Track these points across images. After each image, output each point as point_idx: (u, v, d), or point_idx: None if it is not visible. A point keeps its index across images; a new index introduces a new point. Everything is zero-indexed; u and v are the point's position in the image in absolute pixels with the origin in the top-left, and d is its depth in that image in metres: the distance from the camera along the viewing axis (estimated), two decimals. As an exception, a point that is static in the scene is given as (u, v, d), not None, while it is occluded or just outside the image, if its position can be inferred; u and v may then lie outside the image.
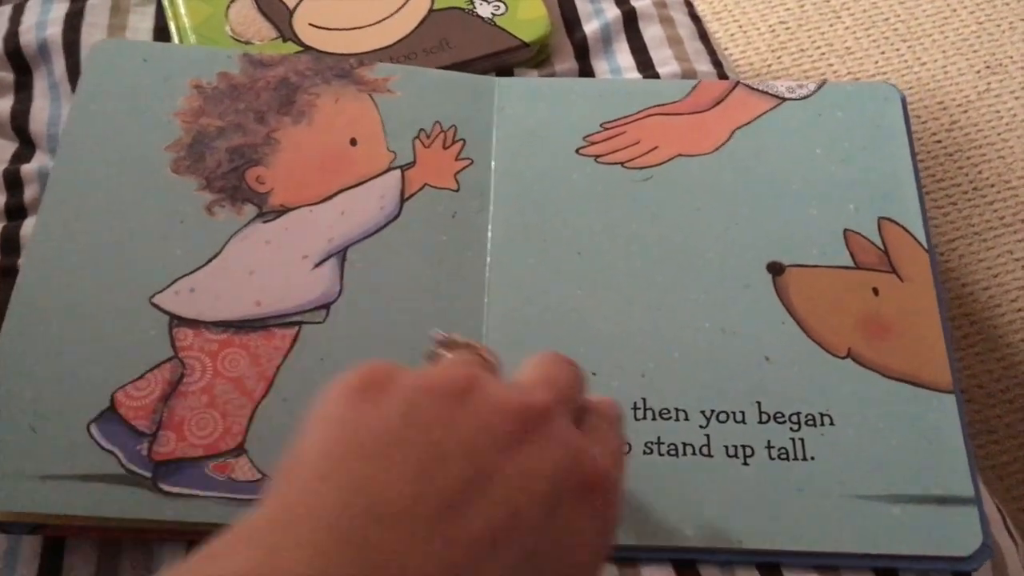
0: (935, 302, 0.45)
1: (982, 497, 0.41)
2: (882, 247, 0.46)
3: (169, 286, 0.43)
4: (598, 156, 0.49)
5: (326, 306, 0.43)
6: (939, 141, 1.21)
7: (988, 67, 1.27)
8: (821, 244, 0.46)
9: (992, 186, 1.18)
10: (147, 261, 0.44)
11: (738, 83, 0.51)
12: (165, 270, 0.44)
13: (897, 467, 0.41)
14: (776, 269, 0.45)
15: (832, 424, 0.42)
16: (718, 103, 0.50)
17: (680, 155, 0.49)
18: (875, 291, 0.45)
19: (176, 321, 0.43)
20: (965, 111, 1.23)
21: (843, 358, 0.43)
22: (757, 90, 0.51)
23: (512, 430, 0.28)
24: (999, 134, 1.22)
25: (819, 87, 0.51)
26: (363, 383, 0.29)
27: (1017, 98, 1.24)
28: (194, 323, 0.43)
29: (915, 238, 0.46)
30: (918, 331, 0.44)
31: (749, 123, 0.50)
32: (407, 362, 0.32)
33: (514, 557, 0.26)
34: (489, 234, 0.46)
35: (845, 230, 0.46)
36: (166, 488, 0.39)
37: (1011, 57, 1.27)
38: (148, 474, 0.39)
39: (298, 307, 0.43)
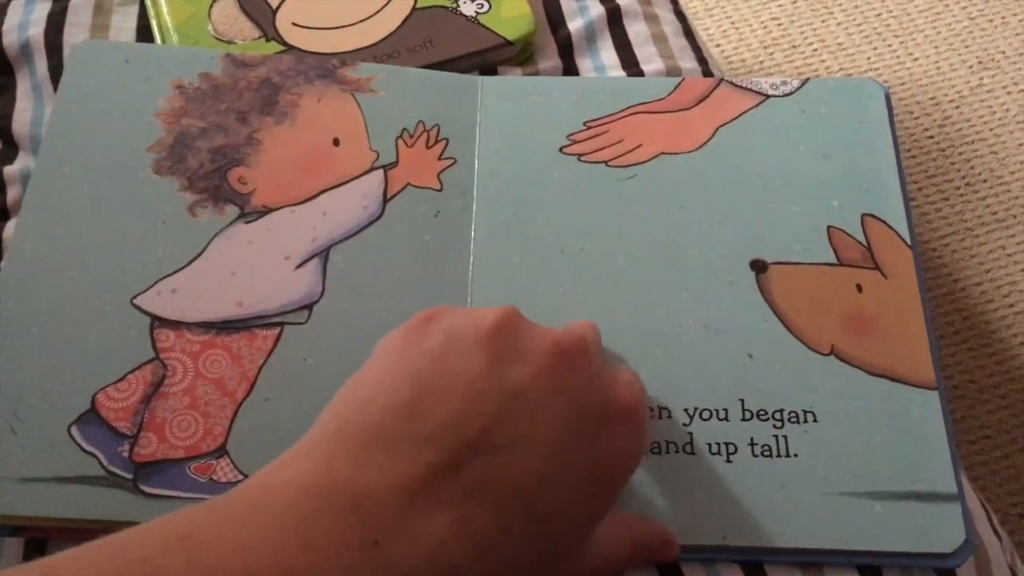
0: (919, 299, 0.45)
1: (965, 494, 0.41)
2: (865, 244, 0.46)
3: (151, 287, 0.43)
4: (581, 155, 0.48)
5: (308, 306, 0.43)
6: (931, 137, 1.21)
7: (980, 62, 1.27)
8: (804, 241, 0.46)
9: (984, 181, 1.18)
10: (128, 262, 0.44)
11: (722, 80, 0.51)
12: (147, 271, 0.43)
13: (880, 464, 0.41)
14: (759, 267, 0.45)
15: (815, 421, 0.42)
16: (702, 101, 0.50)
17: (663, 153, 0.48)
18: (858, 288, 0.45)
19: (157, 322, 0.42)
20: (957, 107, 1.23)
21: (826, 355, 0.43)
22: (741, 87, 0.51)
23: (547, 361, 0.31)
24: (991, 129, 1.21)
25: (803, 84, 0.51)
26: (419, 319, 0.33)
27: (1009, 93, 1.24)
28: (176, 324, 0.42)
29: (898, 235, 0.46)
30: (901, 328, 0.44)
31: (733, 120, 0.50)
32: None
33: (533, 470, 0.29)
34: (472, 233, 0.46)
35: (828, 227, 0.46)
36: (147, 490, 0.39)
37: (1003, 52, 1.27)
38: (129, 476, 0.39)
39: (280, 308, 0.43)
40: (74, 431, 0.40)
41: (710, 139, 0.49)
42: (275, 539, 0.26)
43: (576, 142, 0.49)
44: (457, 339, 0.31)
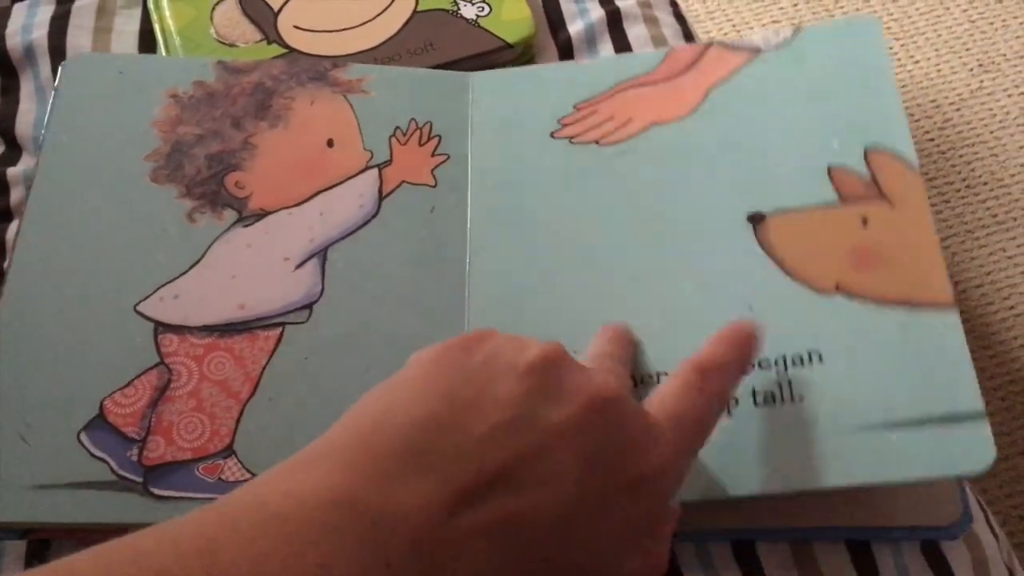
0: (930, 222, 0.42)
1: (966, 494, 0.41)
2: (869, 176, 0.44)
3: (153, 293, 0.43)
4: (572, 137, 0.48)
5: (309, 306, 0.44)
6: (932, 139, 1.21)
7: (981, 65, 1.27)
8: (803, 186, 0.44)
9: (985, 184, 1.18)
10: (131, 270, 0.44)
11: (712, 43, 0.50)
12: (149, 278, 0.44)
13: (894, 393, 0.39)
14: (756, 219, 0.44)
15: (821, 361, 0.40)
16: (692, 66, 0.49)
17: (654, 123, 0.48)
18: (864, 222, 0.43)
19: (161, 328, 0.43)
20: (958, 109, 1.23)
21: (831, 294, 0.41)
22: (731, 46, 0.49)
23: (584, 407, 0.30)
24: (992, 132, 1.22)
25: (796, 32, 0.49)
26: (463, 338, 0.31)
27: (1010, 96, 1.24)
28: (179, 329, 0.43)
29: (904, 160, 0.44)
30: (914, 252, 0.42)
31: (724, 80, 0.48)
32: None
33: (550, 516, 0.28)
34: (468, 227, 0.46)
35: (829, 168, 0.45)
36: (157, 492, 0.39)
37: (1004, 55, 1.28)
38: (139, 479, 0.39)
39: (281, 308, 0.43)
40: (83, 437, 0.40)
41: (702, 102, 0.48)
42: (292, 555, 0.25)
43: (566, 125, 0.48)
44: (497, 365, 0.30)
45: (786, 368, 0.40)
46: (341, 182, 0.47)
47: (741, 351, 0.36)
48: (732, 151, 0.46)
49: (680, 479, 0.33)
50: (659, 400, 0.33)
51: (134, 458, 0.40)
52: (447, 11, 0.56)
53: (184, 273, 0.44)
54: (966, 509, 0.40)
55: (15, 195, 0.51)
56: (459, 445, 0.28)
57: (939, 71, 1.26)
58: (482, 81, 0.51)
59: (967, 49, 1.28)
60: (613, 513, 0.30)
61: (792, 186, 0.44)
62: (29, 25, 0.56)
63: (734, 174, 0.45)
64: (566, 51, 0.57)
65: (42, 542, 0.41)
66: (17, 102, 0.54)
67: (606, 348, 0.39)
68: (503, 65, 0.56)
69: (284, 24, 0.55)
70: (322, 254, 0.45)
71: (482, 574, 0.27)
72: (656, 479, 0.31)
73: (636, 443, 0.31)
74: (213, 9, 0.55)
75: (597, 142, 0.47)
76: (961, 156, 1.20)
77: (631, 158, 0.47)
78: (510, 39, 0.55)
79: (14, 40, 0.56)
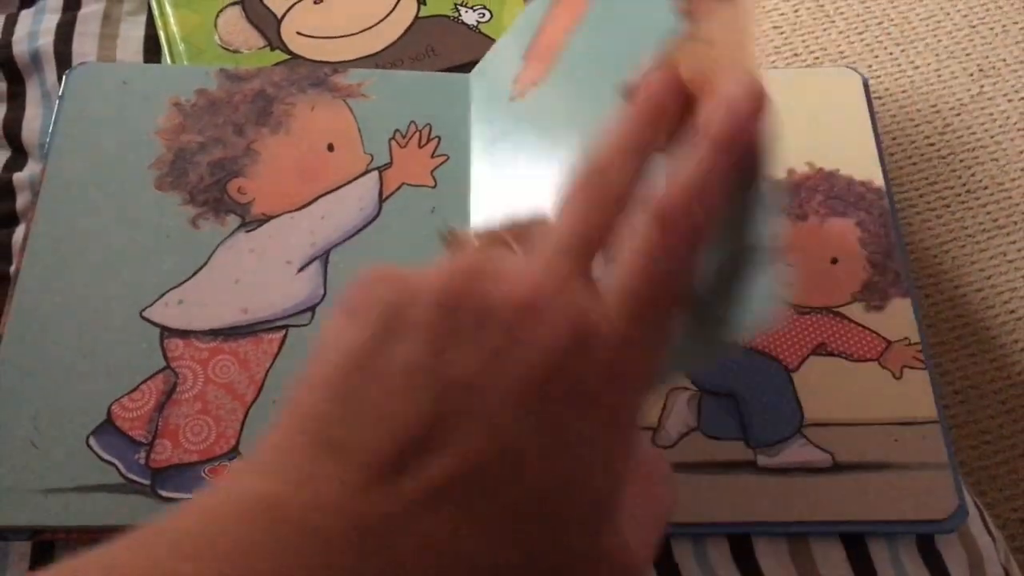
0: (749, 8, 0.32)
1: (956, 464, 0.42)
2: None
3: (158, 299, 0.44)
4: (520, 95, 0.46)
5: (311, 308, 0.44)
6: (932, 144, 1.21)
7: (981, 70, 1.27)
8: (660, 24, 0.36)
9: (985, 188, 1.18)
10: (137, 277, 0.45)
11: None
12: (154, 284, 0.45)
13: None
14: (625, 92, 0.36)
15: None
16: None
17: (566, 35, 0.43)
18: (700, 39, 0.34)
19: (167, 332, 0.43)
20: (958, 114, 1.24)
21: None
22: None
23: (500, 339, 0.26)
24: (992, 137, 1.22)
25: None
26: (351, 299, 0.28)
27: (1010, 101, 1.25)
28: (184, 333, 0.43)
29: None
30: (732, 47, 0.32)
31: None
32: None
33: (485, 466, 0.25)
34: (470, 224, 0.47)
35: None
36: (165, 494, 0.40)
37: (1004, 60, 1.28)
38: (147, 482, 0.40)
39: (284, 311, 0.44)
40: (92, 442, 0.41)
41: None
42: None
43: (516, 83, 0.46)
44: (393, 322, 0.26)
45: None
46: (342, 185, 0.48)
47: (735, 144, 0.28)
48: (619, 24, 0.40)
49: (647, 365, 0.28)
50: (616, 276, 0.28)
51: (142, 461, 0.41)
52: (448, 17, 0.57)
53: (189, 279, 0.45)
54: (961, 502, 0.41)
55: (21, 200, 0.51)
56: (367, 421, 0.25)
57: (939, 76, 1.27)
58: (479, 75, 0.51)
59: (967, 54, 1.28)
60: (566, 435, 0.26)
61: (654, 31, 0.36)
62: (35, 32, 0.57)
63: (621, 50, 0.39)
64: (566, 57, 0.58)
65: (47, 543, 0.41)
66: (23, 108, 0.55)
67: (607, 161, 0.31)
68: (504, 70, 0.56)
69: (287, 30, 0.56)
70: (324, 257, 0.45)
71: (437, 542, 0.25)
72: (607, 383, 0.26)
73: (571, 353, 0.26)
74: (217, 16, 0.56)
75: (535, 84, 0.45)
76: (961, 161, 1.20)
77: (559, 84, 0.43)
78: (511, 45, 0.56)
79: (21, 46, 0.56)
